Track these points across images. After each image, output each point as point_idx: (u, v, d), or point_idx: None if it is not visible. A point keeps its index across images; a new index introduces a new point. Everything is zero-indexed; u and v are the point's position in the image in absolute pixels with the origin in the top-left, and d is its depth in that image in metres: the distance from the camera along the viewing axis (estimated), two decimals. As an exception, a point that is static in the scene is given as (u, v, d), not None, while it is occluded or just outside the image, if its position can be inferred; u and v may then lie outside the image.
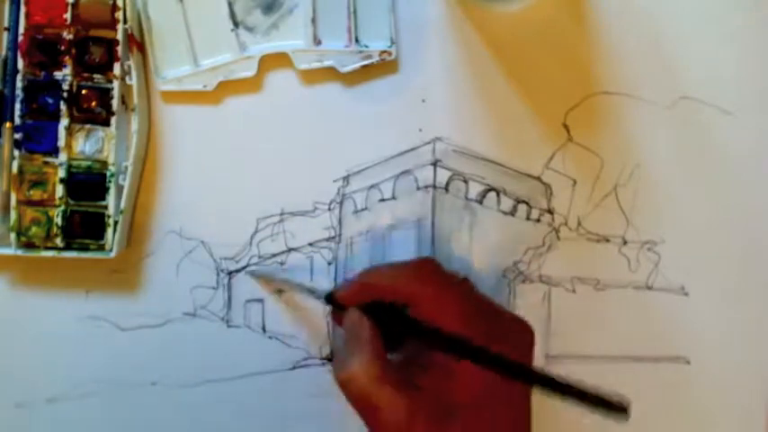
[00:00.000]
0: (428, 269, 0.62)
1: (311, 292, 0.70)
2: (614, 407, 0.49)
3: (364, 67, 0.72)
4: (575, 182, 0.72)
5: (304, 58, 0.73)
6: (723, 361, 0.71)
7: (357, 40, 0.72)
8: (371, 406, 0.56)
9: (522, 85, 0.72)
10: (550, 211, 0.72)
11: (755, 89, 0.71)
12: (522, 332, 0.61)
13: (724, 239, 0.71)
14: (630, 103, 0.71)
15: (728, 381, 0.71)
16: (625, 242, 0.72)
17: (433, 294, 0.59)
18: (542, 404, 0.58)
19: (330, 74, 0.73)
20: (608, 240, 0.72)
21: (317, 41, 0.72)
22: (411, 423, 0.55)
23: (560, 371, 0.70)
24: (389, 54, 0.72)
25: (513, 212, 0.72)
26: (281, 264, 0.74)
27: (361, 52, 0.72)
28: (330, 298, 0.65)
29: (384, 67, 0.73)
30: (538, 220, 0.72)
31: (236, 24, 0.72)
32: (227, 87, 0.73)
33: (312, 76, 0.73)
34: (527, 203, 0.72)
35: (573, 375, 0.70)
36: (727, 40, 0.71)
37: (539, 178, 0.72)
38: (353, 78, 0.73)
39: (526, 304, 0.72)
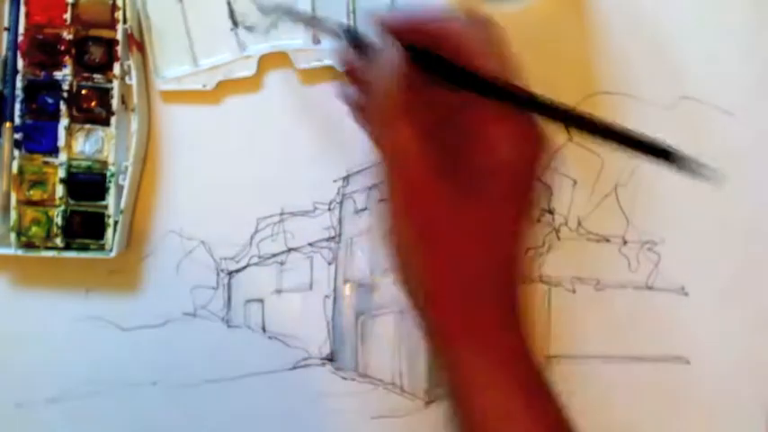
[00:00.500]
0: (491, 31, 0.56)
1: (326, 27, 0.66)
2: (659, 152, 0.48)
3: None
4: (575, 182, 0.72)
5: (303, 58, 0.73)
6: (723, 361, 0.71)
7: None
8: (392, 135, 0.51)
9: (522, 84, 0.72)
10: (550, 211, 0.72)
11: (755, 89, 0.71)
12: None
13: (724, 239, 0.71)
14: (630, 103, 0.71)
15: (728, 381, 0.71)
16: (625, 242, 0.72)
17: (490, 55, 0.54)
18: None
19: (329, 74, 0.73)
20: (608, 240, 0.72)
21: (317, 41, 0.72)
22: (428, 174, 0.50)
23: (560, 371, 0.70)
24: None
25: (513, 212, 0.72)
26: (281, 264, 0.74)
27: None
28: (350, 32, 0.59)
29: None
30: (538, 220, 0.72)
31: (235, 24, 0.72)
32: (227, 87, 0.73)
33: (312, 76, 0.73)
34: (527, 203, 0.72)
35: (573, 375, 0.71)
36: (727, 40, 0.71)
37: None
38: None
39: (526, 304, 0.72)
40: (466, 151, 0.52)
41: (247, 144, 0.74)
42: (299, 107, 0.73)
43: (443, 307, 0.52)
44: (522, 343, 0.53)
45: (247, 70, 0.73)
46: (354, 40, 0.59)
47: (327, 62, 0.72)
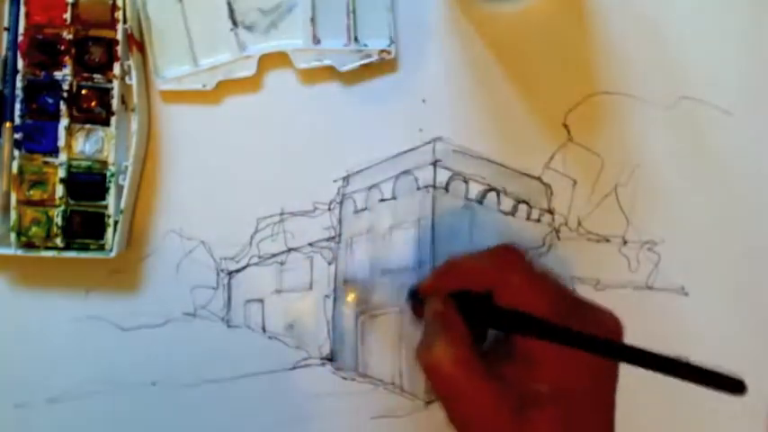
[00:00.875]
0: (513, 256, 0.60)
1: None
2: (729, 384, 0.49)
3: (363, 66, 0.72)
4: (575, 182, 0.72)
5: (303, 58, 0.73)
6: (723, 361, 0.71)
7: (356, 39, 0.72)
8: (456, 393, 0.55)
9: (522, 85, 0.72)
10: (550, 211, 0.72)
11: (755, 89, 0.71)
12: (611, 324, 0.60)
13: (724, 239, 0.71)
14: (630, 103, 0.71)
15: (728, 381, 0.71)
16: (625, 242, 0.72)
17: (520, 282, 0.57)
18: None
19: (329, 74, 0.73)
20: (608, 240, 0.72)
21: (317, 40, 0.72)
22: (496, 412, 0.54)
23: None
24: (389, 53, 0.72)
25: (513, 212, 0.72)
26: (281, 264, 0.74)
27: (360, 51, 0.72)
28: (413, 292, 0.64)
29: (383, 66, 0.73)
30: (538, 220, 0.72)
31: (235, 24, 0.72)
32: (227, 87, 0.73)
33: (311, 76, 0.73)
34: (527, 203, 0.72)
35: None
36: (727, 40, 0.71)
37: (539, 178, 0.72)
38: (353, 78, 0.73)
39: (526, 304, 0.72)
40: (519, 375, 0.56)
41: (247, 144, 0.73)
42: (298, 107, 0.73)
43: None
44: None
45: (247, 70, 0.73)
46: (416, 297, 0.65)
47: (327, 62, 0.72)
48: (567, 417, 0.55)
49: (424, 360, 0.57)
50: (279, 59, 0.73)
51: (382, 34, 0.72)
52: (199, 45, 0.73)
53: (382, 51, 0.72)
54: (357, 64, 0.72)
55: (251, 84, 0.73)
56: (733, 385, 0.49)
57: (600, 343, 0.53)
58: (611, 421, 0.58)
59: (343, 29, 0.72)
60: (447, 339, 0.57)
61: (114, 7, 0.72)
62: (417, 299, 0.64)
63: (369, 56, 0.72)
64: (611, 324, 0.60)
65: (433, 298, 0.61)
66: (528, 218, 0.72)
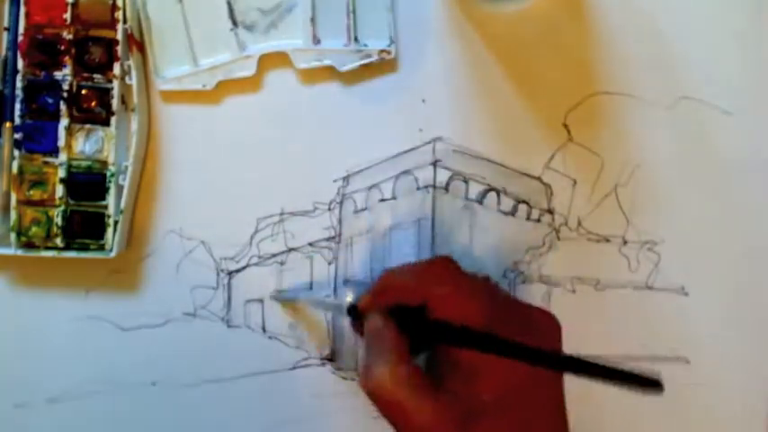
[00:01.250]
0: (447, 268, 0.60)
1: (336, 307, 0.71)
2: (647, 383, 0.49)
3: (363, 66, 0.72)
4: (575, 182, 0.72)
5: (303, 58, 0.73)
6: (723, 361, 0.71)
7: (356, 39, 0.72)
8: (400, 411, 0.55)
9: (522, 85, 0.72)
10: (551, 211, 0.72)
11: (755, 89, 0.71)
12: (550, 326, 0.60)
13: (724, 239, 0.71)
14: (630, 103, 0.71)
15: (728, 381, 0.71)
16: (625, 242, 0.72)
17: (454, 292, 0.58)
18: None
19: (329, 74, 0.73)
20: (608, 240, 0.72)
21: (317, 40, 0.72)
22: (439, 426, 0.54)
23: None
24: (388, 53, 0.72)
25: (513, 212, 0.72)
26: (281, 264, 0.74)
27: (360, 51, 0.72)
28: (353, 309, 0.64)
29: (383, 66, 0.73)
30: (538, 220, 0.72)
31: (235, 24, 0.72)
32: (227, 87, 0.73)
33: (311, 76, 0.74)
34: (527, 203, 0.72)
35: (573, 375, 0.71)
36: (727, 40, 0.71)
37: (539, 178, 0.72)
38: (353, 78, 0.73)
39: (526, 304, 0.72)
40: (461, 387, 0.56)
41: (247, 144, 0.73)
42: (298, 107, 0.73)
43: None
44: None
45: (247, 70, 0.73)
46: (357, 314, 0.63)
47: (327, 62, 0.72)
48: (512, 424, 0.55)
49: (364, 383, 0.57)
50: (279, 59, 0.73)
51: (382, 34, 0.72)
52: (199, 45, 0.73)
53: (382, 51, 0.72)
54: (357, 64, 0.72)
55: (251, 84, 0.73)
56: (652, 384, 0.49)
57: (533, 352, 0.53)
58: (563, 423, 0.59)
59: (343, 29, 0.72)
60: (385, 359, 0.57)
61: (114, 7, 0.72)
62: (357, 316, 0.64)
63: (369, 56, 0.72)
64: (548, 325, 0.61)
65: (372, 314, 0.61)
66: (528, 218, 0.72)
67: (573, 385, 0.71)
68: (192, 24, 0.73)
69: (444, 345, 0.58)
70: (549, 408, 0.58)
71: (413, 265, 0.63)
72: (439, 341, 0.58)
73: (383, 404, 0.56)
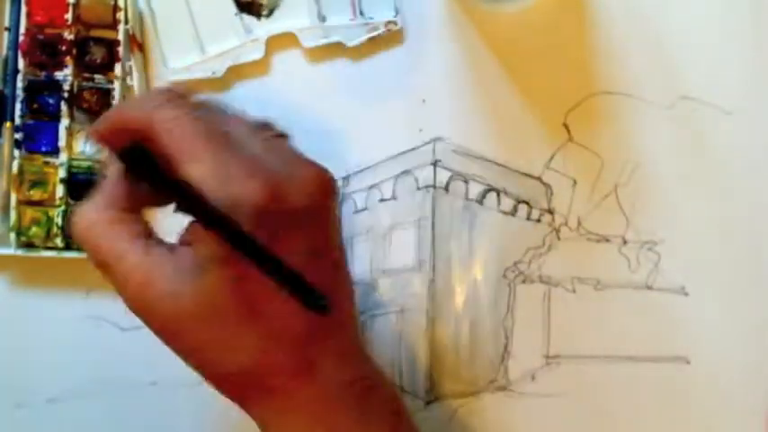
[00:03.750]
0: (169, 92, 0.54)
1: None
2: (314, 301, 0.48)
3: (371, 41, 0.72)
4: (575, 182, 0.72)
5: (310, 36, 0.73)
6: (723, 361, 0.71)
7: (362, 13, 0.72)
8: (110, 258, 0.52)
9: (522, 85, 0.72)
10: (551, 212, 0.72)
11: (755, 89, 0.71)
12: (310, 182, 0.53)
13: (724, 239, 0.71)
14: (630, 103, 0.71)
15: (728, 381, 0.71)
16: (625, 242, 0.72)
17: (170, 121, 0.51)
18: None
19: (337, 50, 0.73)
20: (608, 240, 0.72)
21: (322, 18, 0.72)
22: (154, 279, 0.51)
23: (560, 371, 0.70)
24: (395, 24, 0.72)
25: (513, 212, 0.72)
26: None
27: (366, 24, 0.72)
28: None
29: (390, 40, 0.73)
30: (538, 221, 0.72)
31: (239, 8, 0.72)
32: (236, 73, 0.74)
33: (319, 54, 0.74)
34: (527, 203, 0.72)
35: (573, 375, 0.71)
36: (727, 40, 0.71)
37: (539, 178, 0.72)
38: (359, 55, 0.74)
39: (526, 304, 0.72)
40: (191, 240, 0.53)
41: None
42: (306, 90, 0.74)
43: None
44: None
45: (255, 54, 0.73)
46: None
47: (334, 38, 0.72)
48: (239, 282, 0.50)
49: (74, 226, 0.54)
50: (286, 41, 0.73)
51: (387, 5, 0.72)
52: (205, 33, 0.73)
53: (389, 23, 0.72)
54: (365, 38, 0.72)
55: (260, 67, 0.74)
56: (317, 303, 0.48)
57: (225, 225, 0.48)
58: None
59: (347, 4, 0.72)
60: (96, 198, 0.54)
61: (116, 8, 0.72)
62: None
63: (375, 29, 0.72)
64: (310, 182, 0.54)
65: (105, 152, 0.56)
66: (528, 218, 0.72)
67: (573, 385, 0.72)
68: (197, 12, 0.73)
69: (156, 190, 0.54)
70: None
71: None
72: (156, 188, 0.54)
73: (89, 245, 0.54)
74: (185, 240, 0.53)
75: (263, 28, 0.73)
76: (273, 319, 0.52)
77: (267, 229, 0.49)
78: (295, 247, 0.51)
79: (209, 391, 0.70)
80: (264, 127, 0.57)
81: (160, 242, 0.54)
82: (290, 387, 0.53)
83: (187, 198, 0.50)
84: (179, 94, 0.54)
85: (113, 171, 0.55)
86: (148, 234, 0.54)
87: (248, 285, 0.50)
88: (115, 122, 0.54)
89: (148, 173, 0.53)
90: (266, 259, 0.48)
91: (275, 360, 0.53)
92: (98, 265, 0.54)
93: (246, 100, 0.72)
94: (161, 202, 0.57)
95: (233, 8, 0.72)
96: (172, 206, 0.52)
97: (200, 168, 0.49)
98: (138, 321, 0.72)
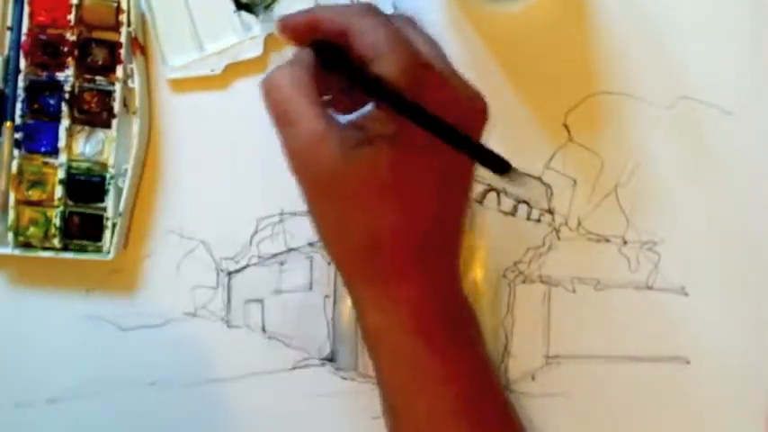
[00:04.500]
0: (367, 6, 0.59)
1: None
2: (498, 164, 0.52)
3: None
4: (575, 182, 0.71)
5: None
6: (723, 361, 0.71)
7: None
8: (289, 116, 0.56)
9: (523, 85, 0.72)
10: (551, 211, 0.72)
11: (755, 89, 0.71)
12: (469, 105, 0.60)
13: (724, 239, 0.71)
14: (630, 103, 0.71)
15: (728, 381, 0.71)
16: (625, 242, 0.71)
17: (372, 28, 0.56)
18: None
19: None
20: (608, 240, 0.71)
21: None
22: (324, 136, 0.55)
23: (560, 371, 0.70)
24: None
25: (513, 212, 0.72)
26: (281, 264, 0.74)
27: None
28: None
29: None
30: (538, 221, 0.72)
31: (238, 5, 0.72)
32: (235, 71, 0.74)
33: None
34: (527, 203, 0.72)
35: (573, 375, 0.71)
36: (727, 40, 0.71)
37: (539, 178, 0.72)
38: None
39: (526, 304, 0.72)
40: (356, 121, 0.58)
41: (253, 132, 0.73)
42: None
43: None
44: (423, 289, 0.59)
45: (254, 51, 0.73)
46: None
47: None
48: (404, 160, 0.56)
49: (263, 84, 0.58)
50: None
51: (386, 4, 0.72)
52: (203, 30, 0.73)
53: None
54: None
55: (258, 65, 0.74)
56: (502, 165, 0.50)
57: (423, 115, 0.53)
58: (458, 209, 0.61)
59: (345, 2, 0.72)
60: (291, 68, 0.57)
61: (119, 10, 0.73)
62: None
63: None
64: (469, 106, 0.60)
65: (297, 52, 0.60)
66: (528, 218, 0.72)
67: (573, 385, 0.71)
68: (195, 10, 0.73)
69: (352, 82, 0.58)
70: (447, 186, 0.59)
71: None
72: (350, 79, 0.58)
73: (274, 104, 0.57)
74: (358, 123, 0.57)
75: (262, 26, 0.73)
76: (412, 207, 0.57)
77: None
78: (450, 162, 0.58)
79: (209, 391, 0.71)
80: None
81: (334, 117, 0.58)
82: (400, 277, 0.58)
83: (380, 88, 0.54)
84: (375, 9, 0.59)
85: (303, 58, 0.58)
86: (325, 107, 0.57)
87: (405, 168, 0.56)
88: (310, 21, 0.59)
89: (341, 63, 0.57)
90: (455, 138, 0.53)
91: (398, 245, 0.57)
92: (277, 118, 0.57)
93: (245, 97, 0.73)
94: (345, 92, 0.62)
95: (231, 5, 0.72)
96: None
97: (392, 70, 0.54)
98: (137, 321, 0.73)
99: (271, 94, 0.57)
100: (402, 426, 0.61)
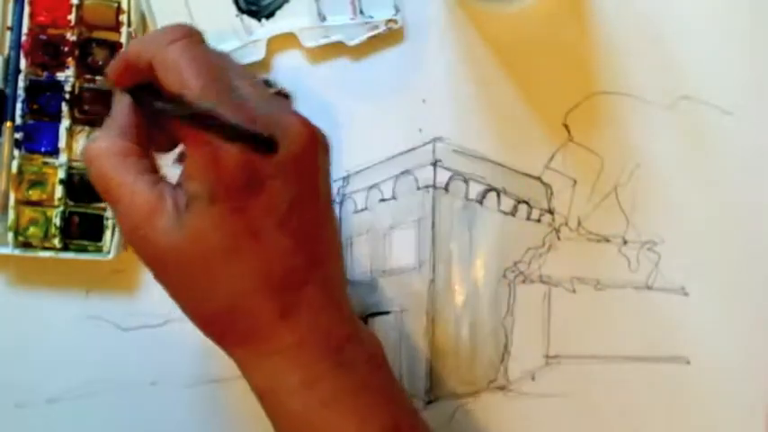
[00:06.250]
0: (180, 30, 0.56)
1: None
2: (262, 142, 0.48)
3: (371, 40, 0.72)
4: (575, 182, 0.72)
5: (310, 36, 0.73)
6: (723, 361, 0.71)
7: (362, 12, 0.72)
8: (113, 194, 0.54)
9: (522, 85, 0.72)
10: (551, 211, 0.72)
11: (755, 89, 0.71)
12: (293, 129, 0.56)
13: (724, 239, 0.71)
14: (630, 103, 0.71)
15: (728, 381, 0.71)
16: (625, 242, 0.71)
17: (177, 55, 0.53)
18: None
19: (337, 50, 0.73)
20: (608, 240, 0.72)
21: (322, 17, 0.72)
22: (150, 212, 0.53)
23: (560, 371, 0.70)
24: (395, 22, 0.72)
25: (513, 212, 0.72)
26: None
27: (366, 23, 0.72)
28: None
29: (389, 39, 0.73)
30: (538, 221, 0.72)
31: (240, 9, 0.72)
32: None
33: (319, 54, 0.74)
34: (527, 203, 0.72)
35: (573, 375, 0.71)
36: (727, 40, 0.71)
37: (539, 178, 0.72)
38: (361, 54, 0.74)
39: (526, 304, 0.72)
40: (192, 175, 0.54)
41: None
42: (306, 89, 0.74)
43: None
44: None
45: (256, 55, 0.73)
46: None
47: (335, 38, 0.72)
48: (229, 216, 0.52)
49: (83, 155, 0.56)
50: (287, 41, 0.73)
51: (387, 4, 0.72)
52: (205, 34, 0.73)
53: (389, 21, 0.71)
54: (365, 36, 0.72)
55: (260, 68, 0.74)
56: (266, 144, 0.48)
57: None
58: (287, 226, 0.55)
59: (347, 3, 0.72)
60: (110, 131, 0.55)
61: (119, 10, 0.73)
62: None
63: (376, 27, 0.72)
64: (296, 131, 0.56)
65: (117, 91, 0.57)
66: (528, 218, 0.72)
67: (573, 385, 0.72)
68: (197, 14, 0.73)
69: (156, 115, 0.56)
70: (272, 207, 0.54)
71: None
72: (158, 113, 0.56)
73: (94, 176, 0.55)
74: (180, 184, 0.54)
75: (264, 29, 0.73)
76: (257, 259, 0.54)
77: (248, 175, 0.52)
78: (280, 195, 0.54)
79: (209, 391, 0.71)
80: (266, 83, 0.62)
81: (164, 179, 0.56)
82: (268, 331, 0.56)
83: (184, 110, 0.51)
84: (184, 33, 0.55)
85: (123, 105, 0.57)
86: (155, 170, 0.56)
87: (234, 222, 0.53)
88: (123, 62, 0.56)
89: (152, 100, 0.54)
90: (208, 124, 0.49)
91: (256, 302, 0.55)
92: (104, 193, 0.55)
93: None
94: (165, 135, 0.59)
95: (233, 9, 0.73)
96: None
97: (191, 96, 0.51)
98: (137, 321, 0.73)
99: (92, 168, 0.55)
100: None
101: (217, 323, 0.57)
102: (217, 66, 0.55)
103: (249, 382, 0.59)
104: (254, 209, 0.53)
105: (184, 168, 0.54)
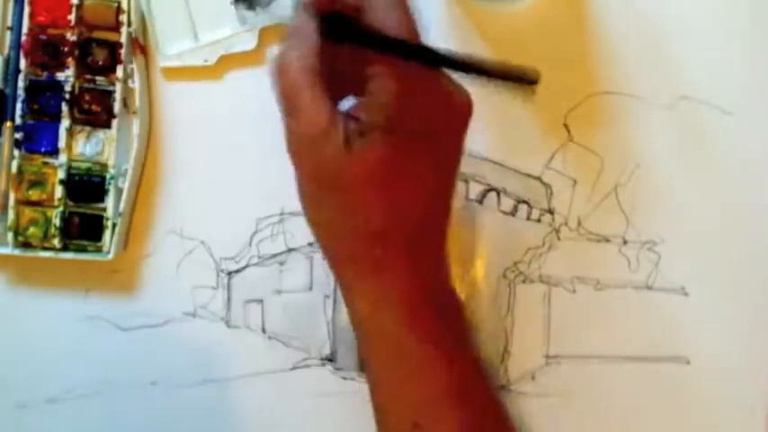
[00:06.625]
0: None
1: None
2: (526, 79, 0.53)
3: None
4: (575, 182, 0.72)
5: None
6: (723, 361, 0.71)
7: None
8: (296, 102, 0.56)
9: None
10: (551, 211, 0.72)
11: (755, 89, 0.71)
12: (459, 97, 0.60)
13: (724, 239, 0.71)
14: (630, 103, 0.71)
15: (728, 381, 0.71)
16: (625, 242, 0.71)
17: (385, 6, 0.57)
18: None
19: None
20: (608, 240, 0.71)
21: None
22: (328, 129, 0.55)
23: (560, 371, 0.70)
24: None
25: (513, 212, 0.72)
26: (281, 264, 0.74)
27: None
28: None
29: None
30: (538, 220, 0.72)
31: (236, -1, 0.73)
32: (229, 62, 0.74)
33: None
34: (527, 203, 0.72)
35: (573, 375, 0.71)
36: (728, 39, 0.71)
37: (539, 178, 0.72)
38: None
39: (526, 304, 0.72)
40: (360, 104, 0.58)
41: (254, 133, 0.74)
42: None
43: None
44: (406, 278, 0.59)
45: (248, 44, 0.73)
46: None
47: None
48: (397, 151, 0.56)
49: (273, 66, 0.57)
50: (279, 32, 0.73)
51: None
52: (199, 21, 0.73)
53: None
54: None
55: (252, 58, 0.74)
56: (529, 78, 0.51)
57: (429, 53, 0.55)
58: (448, 176, 0.61)
59: None
60: (299, 48, 0.56)
61: (119, 10, 0.73)
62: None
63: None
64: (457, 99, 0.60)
65: (298, 11, 0.59)
66: (528, 218, 0.72)
67: (573, 385, 0.72)
68: (192, 0, 0.73)
69: (360, 46, 0.57)
70: (441, 154, 0.59)
71: None
72: (358, 47, 0.57)
73: (283, 89, 0.56)
74: (354, 113, 0.57)
75: (257, 19, 0.73)
76: (406, 201, 0.57)
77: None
78: (437, 152, 0.59)
79: (209, 391, 0.71)
80: None
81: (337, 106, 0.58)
82: (392, 263, 0.58)
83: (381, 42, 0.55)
84: None
85: (309, 29, 0.57)
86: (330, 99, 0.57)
87: (399, 157, 0.56)
88: None
89: (346, 29, 0.57)
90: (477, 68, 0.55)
91: (393, 235, 0.58)
92: (286, 100, 0.57)
93: (238, 90, 0.73)
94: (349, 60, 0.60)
95: (229, -2, 0.73)
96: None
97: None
98: (137, 321, 0.73)
99: (280, 79, 0.56)
100: (393, 412, 0.61)
101: (347, 248, 0.60)
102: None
103: (352, 308, 0.60)
104: (420, 149, 0.57)
105: (358, 105, 0.57)
